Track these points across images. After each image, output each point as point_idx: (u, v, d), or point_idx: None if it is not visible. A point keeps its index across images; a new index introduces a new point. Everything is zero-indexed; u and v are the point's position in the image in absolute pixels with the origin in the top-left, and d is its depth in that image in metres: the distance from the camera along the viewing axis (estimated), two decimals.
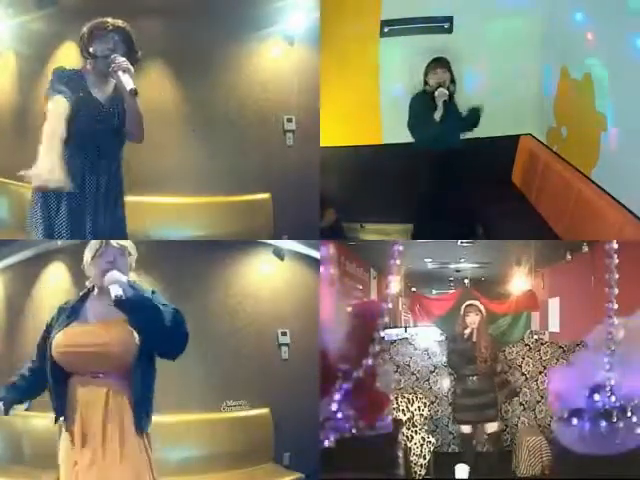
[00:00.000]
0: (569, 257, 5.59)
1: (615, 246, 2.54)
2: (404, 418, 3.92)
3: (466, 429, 3.94)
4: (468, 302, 4.08)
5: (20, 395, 2.33)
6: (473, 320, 3.96)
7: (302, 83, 4.30)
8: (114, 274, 2.19)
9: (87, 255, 2.30)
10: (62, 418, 2.26)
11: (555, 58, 4.41)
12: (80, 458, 2.19)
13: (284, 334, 4.24)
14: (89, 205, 2.70)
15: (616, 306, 2.50)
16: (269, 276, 4.31)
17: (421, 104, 4.06)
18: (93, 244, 2.31)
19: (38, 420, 3.88)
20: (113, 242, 2.30)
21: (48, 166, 2.39)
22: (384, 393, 2.37)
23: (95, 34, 2.69)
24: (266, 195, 4.30)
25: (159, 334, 2.18)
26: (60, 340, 2.21)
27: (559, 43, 4.35)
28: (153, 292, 2.28)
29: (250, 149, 4.27)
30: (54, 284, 4.17)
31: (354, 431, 2.28)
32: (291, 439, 3.99)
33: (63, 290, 4.15)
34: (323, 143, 4.14)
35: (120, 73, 2.60)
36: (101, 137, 2.69)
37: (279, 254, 4.27)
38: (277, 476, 3.85)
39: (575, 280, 5.40)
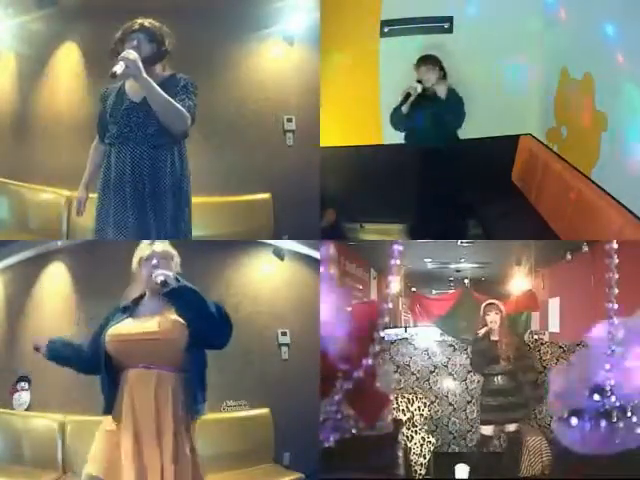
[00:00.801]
0: (569, 257, 5.61)
1: (615, 246, 2.54)
2: (404, 418, 3.91)
3: (487, 431, 3.82)
4: (488, 301, 3.98)
5: (68, 356, 2.44)
6: (494, 319, 3.83)
7: (302, 83, 4.30)
8: (160, 270, 2.30)
9: (134, 262, 2.42)
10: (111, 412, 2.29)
11: (555, 58, 4.42)
12: (130, 447, 2.20)
13: (284, 334, 4.24)
14: (129, 203, 2.75)
15: (616, 306, 2.49)
16: (269, 276, 4.31)
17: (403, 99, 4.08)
18: (140, 250, 2.42)
19: (38, 420, 3.90)
20: (158, 248, 2.40)
21: None
22: (384, 393, 2.37)
23: (124, 36, 2.75)
24: (266, 195, 4.30)
25: (207, 323, 2.25)
26: (113, 332, 2.31)
27: (559, 43, 4.36)
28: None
29: (250, 149, 4.27)
30: (54, 284, 4.18)
31: (354, 431, 2.28)
32: (291, 439, 3.99)
33: (63, 290, 4.16)
34: (323, 143, 4.14)
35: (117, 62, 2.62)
36: (127, 132, 2.74)
37: (279, 254, 4.28)
38: (277, 476, 3.84)
39: (575, 280, 5.41)
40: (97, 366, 2.34)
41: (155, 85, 2.64)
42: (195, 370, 2.32)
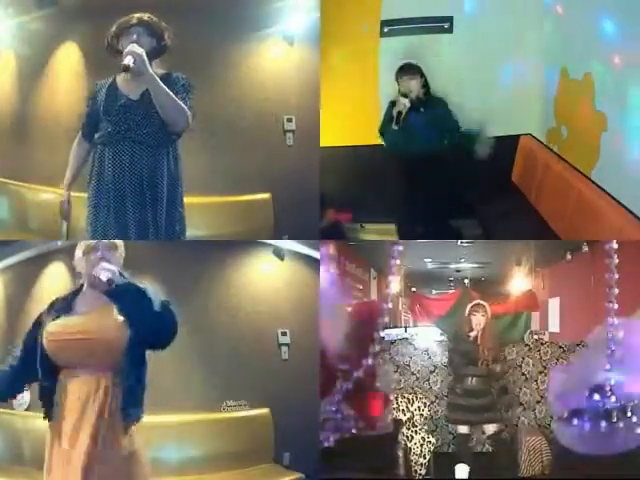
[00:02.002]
0: (569, 257, 5.60)
1: (615, 246, 2.54)
2: (404, 418, 3.91)
3: (463, 429, 3.90)
4: (475, 302, 4.01)
5: (7, 385, 2.27)
6: (479, 321, 3.88)
7: (302, 83, 4.30)
8: (104, 264, 2.17)
9: (78, 252, 2.28)
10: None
11: (555, 58, 4.42)
12: (69, 457, 2.11)
13: (284, 334, 4.24)
14: (129, 203, 2.71)
15: (616, 306, 2.50)
16: (269, 276, 4.31)
17: (387, 114, 4.02)
18: (84, 242, 2.30)
19: (38, 420, 3.87)
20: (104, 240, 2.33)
21: None
22: (384, 393, 2.37)
23: (121, 31, 2.70)
24: (266, 195, 4.29)
25: (150, 323, 2.11)
26: (50, 330, 2.18)
27: (559, 43, 4.36)
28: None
29: (250, 149, 4.27)
30: (54, 284, 4.17)
31: (354, 431, 2.28)
32: (291, 439, 3.99)
33: (63, 290, 4.14)
34: (323, 143, 4.14)
35: (124, 55, 2.57)
36: (124, 131, 2.68)
37: (279, 254, 4.28)
38: (277, 476, 3.85)
39: (575, 280, 5.40)
40: (33, 374, 2.22)
41: (160, 82, 2.61)
42: (132, 372, 2.16)
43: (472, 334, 3.89)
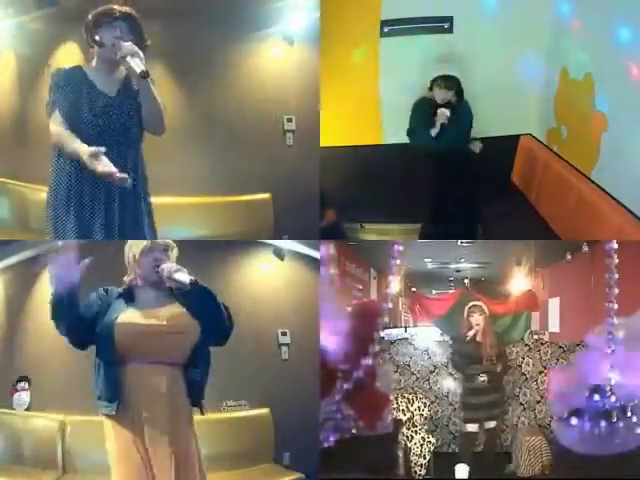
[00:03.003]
0: (569, 257, 5.59)
1: (615, 246, 2.55)
2: (404, 418, 3.91)
3: (472, 427, 3.92)
4: (472, 303, 4.06)
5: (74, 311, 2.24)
6: (477, 321, 3.95)
7: (302, 83, 4.30)
8: (174, 266, 2.28)
9: (131, 252, 2.37)
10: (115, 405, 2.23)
11: (555, 58, 4.41)
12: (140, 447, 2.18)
13: (284, 334, 4.24)
14: (98, 202, 2.60)
15: (616, 306, 2.50)
16: (269, 276, 4.31)
17: (421, 115, 4.02)
18: (136, 242, 2.39)
19: (38, 420, 3.89)
20: (158, 240, 2.41)
21: None
22: (384, 393, 2.37)
23: (101, 21, 2.56)
24: (266, 195, 4.30)
25: (216, 318, 2.28)
26: (125, 319, 2.25)
27: (559, 43, 4.35)
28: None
29: (250, 149, 4.27)
30: None
31: (354, 431, 2.28)
32: (291, 439, 3.99)
33: None
34: (323, 143, 4.14)
35: (129, 58, 2.47)
36: (110, 132, 2.58)
37: (279, 254, 4.28)
38: (277, 476, 3.85)
39: (575, 280, 5.40)
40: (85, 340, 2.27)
41: (149, 83, 2.54)
42: (202, 367, 2.33)
43: (470, 333, 3.94)
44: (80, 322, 2.22)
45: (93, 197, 2.59)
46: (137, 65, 2.46)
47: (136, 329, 2.24)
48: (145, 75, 2.47)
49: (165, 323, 2.26)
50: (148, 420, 2.19)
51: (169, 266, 2.27)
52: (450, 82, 3.95)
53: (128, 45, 2.49)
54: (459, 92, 3.98)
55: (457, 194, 4.02)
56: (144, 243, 2.37)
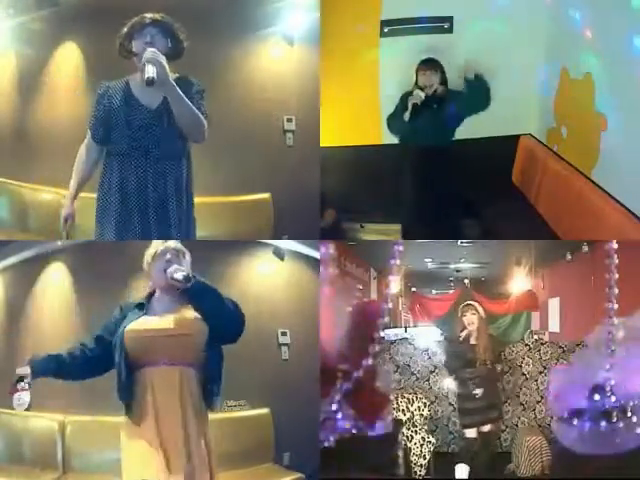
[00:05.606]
0: (569, 257, 5.60)
1: (615, 246, 2.54)
2: (404, 418, 3.91)
3: (471, 433, 3.84)
4: (465, 302, 4.01)
5: (60, 369, 2.39)
6: (471, 320, 3.85)
7: (302, 83, 4.30)
8: (175, 266, 2.30)
9: (147, 258, 2.40)
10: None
11: (555, 58, 4.41)
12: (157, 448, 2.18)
13: (284, 334, 4.24)
14: (137, 207, 2.64)
15: (616, 306, 2.49)
16: (269, 276, 4.31)
17: (401, 103, 4.02)
18: (152, 247, 2.40)
19: (38, 420, 3.89)
20: (171, 244, 2.39)
21: None
22: (384, 393, 2.37)
23: (133, 31, 2.57)
24: (266, 195, 4.30)
25: (225, 319, 2.29)
26: (132, 327, 2.28)
27: (559, 43, 4.36)
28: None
29: (250, 149, 4.27)
30: (54, 284, 4.18)
31: (354, 431, 2.28)
32: (291, 439, 3.99)
33: (63, 290, 4.15)
34: (323, 143, 4.14)
35: (145, 64, 2.44)
36: (153, 141, 2.58)
37: (279, 254, 4.28)
38: (277, 476, 3.85)
39: (575, 280, 5.41)
40: (103, 365, 2.33)
41: (179, 91, 2.50)
42: (214, 365, 2.33)
43: (463, 334, 3.86)
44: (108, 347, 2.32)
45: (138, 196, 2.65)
46: (147, 71, 2.42)
47: (143, 334, 2.27)
48: (149, 82, 2.43)
49: (172, 326, 2.28)
50: (162, 420, 2.21)
51: (172, 268, 2.29)
52: (430, 64, 3.94)
53: (149, 51, 2.47)
54: (444, 83, 3.95)
55: (436, 192, 3.97)
56: (155, 249, 2.38)
